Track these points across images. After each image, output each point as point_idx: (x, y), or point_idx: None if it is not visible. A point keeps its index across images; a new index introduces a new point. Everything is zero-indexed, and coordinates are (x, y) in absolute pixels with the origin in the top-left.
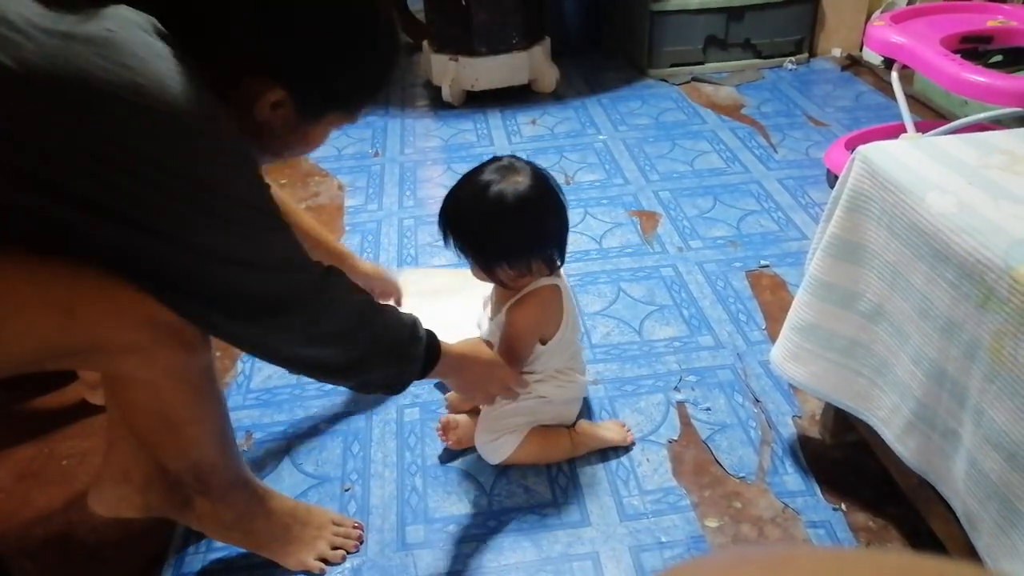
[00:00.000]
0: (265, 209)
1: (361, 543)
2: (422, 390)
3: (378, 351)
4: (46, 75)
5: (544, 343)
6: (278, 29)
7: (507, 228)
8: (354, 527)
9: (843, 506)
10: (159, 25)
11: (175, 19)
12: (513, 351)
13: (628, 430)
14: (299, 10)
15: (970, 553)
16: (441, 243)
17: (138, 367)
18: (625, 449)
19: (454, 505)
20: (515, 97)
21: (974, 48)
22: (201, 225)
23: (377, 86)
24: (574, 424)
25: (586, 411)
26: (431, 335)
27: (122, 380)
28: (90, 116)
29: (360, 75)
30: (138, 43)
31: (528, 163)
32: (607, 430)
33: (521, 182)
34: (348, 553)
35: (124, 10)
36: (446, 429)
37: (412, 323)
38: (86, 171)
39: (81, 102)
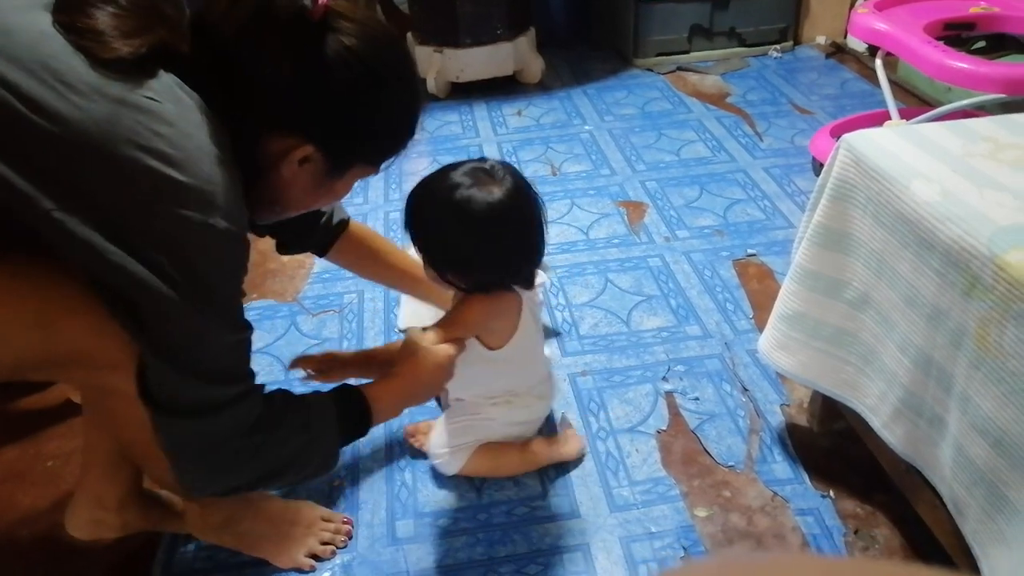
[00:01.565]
0: (231, 307)
1: (350, 538)
2: None
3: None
4: (99, 134)
5: (488, 347)
6: (310, 87)
7: (463, 238)
8: (343, 522)
9: (831, 493)
10: (197, 96)
11: (210, 77)
12: (452, 326)
13: (583, 444)
14: (333, 68)
15: (957, 538)
16: None
17: (122, 381)
18: (614, 440)
19: (444, 499)
20: (501, 88)
21: (957, 35)
22: (180, 302)
23: (403, 138)
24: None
25: (575, 405)
26: (348, 400)
27: (105, 391)
28: (121, 176)
29: (387, 128)
30: (181, 115)
31: (513, 173)
32: (561, 444)
33: (495, 192)
34: (338, 549)
35: (169, 79)
36: (414, 434)
37: (311, 410)
38: (105, 219)
39: (114, 162)
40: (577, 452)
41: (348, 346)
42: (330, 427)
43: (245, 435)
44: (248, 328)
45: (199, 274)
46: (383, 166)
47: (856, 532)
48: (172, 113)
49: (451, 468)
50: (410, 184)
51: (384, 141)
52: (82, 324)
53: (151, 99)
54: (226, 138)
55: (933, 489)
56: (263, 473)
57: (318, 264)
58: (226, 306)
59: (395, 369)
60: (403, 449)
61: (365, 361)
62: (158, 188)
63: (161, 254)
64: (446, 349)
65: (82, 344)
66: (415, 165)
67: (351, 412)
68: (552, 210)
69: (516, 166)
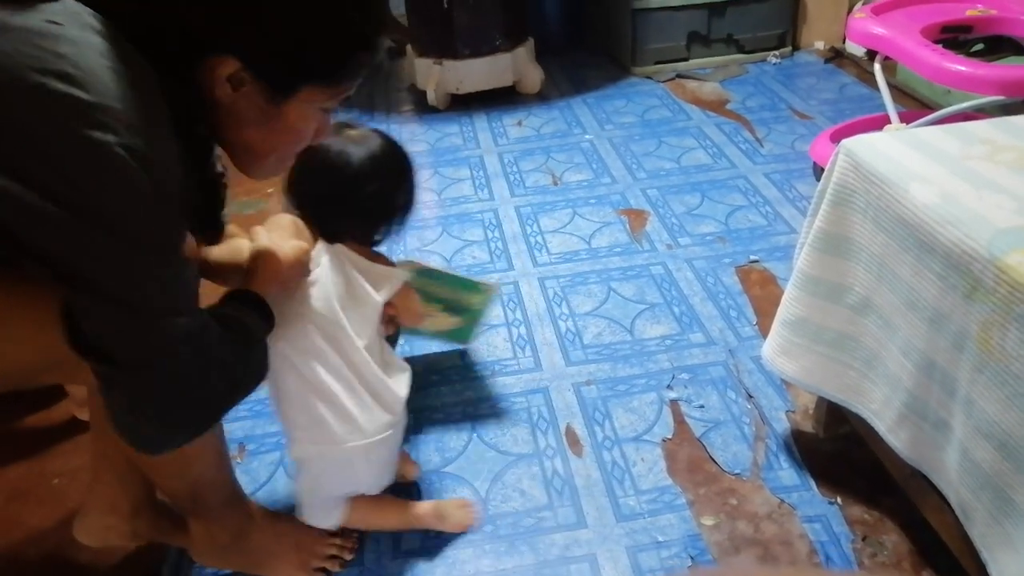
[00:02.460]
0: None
1: (356, 552)
2: (413, 395)
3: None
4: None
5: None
6: None
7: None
8: (349, 536)
9: (838, 499)
10: (101, 18)
11: (119, 10)
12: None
13: (472, 512)
14: None
15: (965, 542)
16: (432, 247)
17: None
18: (620, 449)
19: None
20: (500, 99)
21: (955, 37)
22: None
23: (353, 43)
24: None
25: (580, 415)
26: (255, 303)
27: None
28: (28, 103)
29: (327, 30)
30: (79, 36)
31: (372, 133)
32: (445, 514)
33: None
34: (345, 561)
35: (73, 5)
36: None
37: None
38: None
39: (19, 92)
40: (460, 524)
41: None
42: (259, 330)
43: (205, 364)
44: (187, 263)
45: (106, 199)
46: (344, 88)
47: (864, 539)
48: (75, 35)
49: (328, 523)
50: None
51: (326, 46)
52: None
53: (52, 23)
54: (138, 62)
55: (940, 494)
56: (224, 399)
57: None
58: (151, 234)
59: (253, 265)
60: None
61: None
62: (64, 109)
63: (68, 181)
64: (293, 242)
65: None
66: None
67: (264, 313)
68: (554, 220)
69: (518, 177)
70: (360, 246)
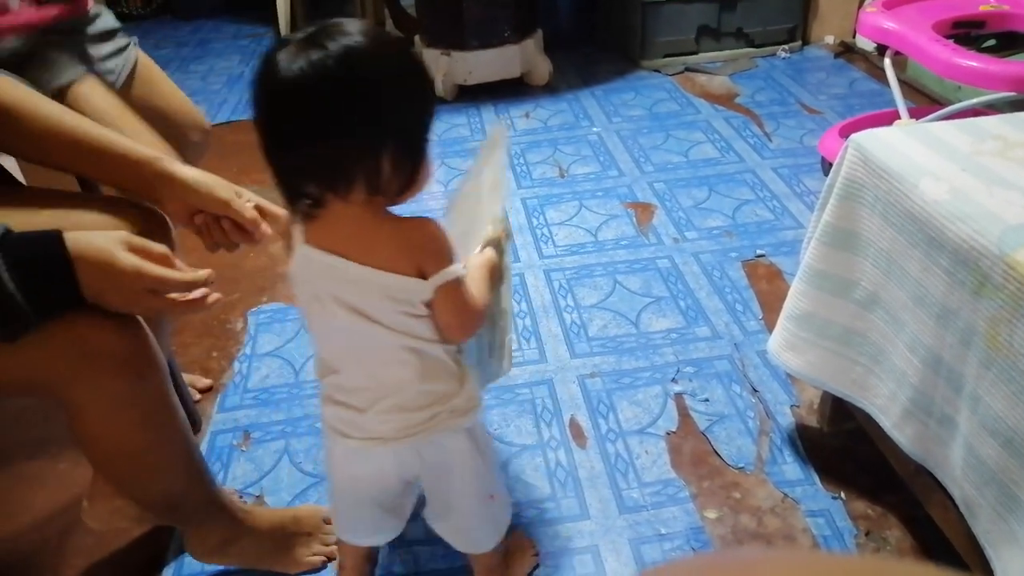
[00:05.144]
0: None
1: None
2: None
3: None
4: None
5: None
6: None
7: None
8: None
9: (842, 494)
10: None
11: None
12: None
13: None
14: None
15: (969, 538)
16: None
17: (85, 396)
18: (624, 442)
19: None
20: (508, 90)
21: (966, 33)
22: None
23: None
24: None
25: (584, 407)
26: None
27: (75, 412)
28: None
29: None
30: None
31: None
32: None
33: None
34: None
35: None
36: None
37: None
38: None
39: None
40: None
41: None
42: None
43: None
44: None
45: None
46: None
47: (867, 534)
48: None
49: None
50: None
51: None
52: (33, 351)
53: None
54: None
55: (944, 489)
56: None
57: None
58: None
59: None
60: None
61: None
62: None
63: None
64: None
65: (36, 370)
66: None
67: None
68: (560, 212)
69: (524, 169)
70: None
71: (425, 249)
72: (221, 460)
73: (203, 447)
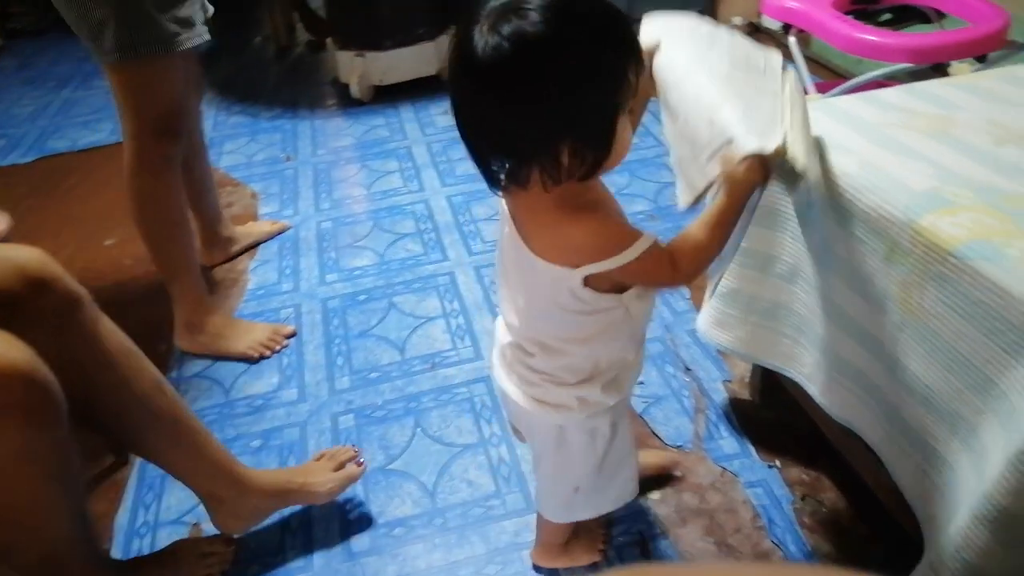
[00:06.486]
0: None
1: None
2: (355, 395)
3: None
4: None
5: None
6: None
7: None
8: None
9: (777, 463)
10: None
11: None
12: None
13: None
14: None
15: (897, 495)
16: (363, 243)
17: None
18: None
19: (398, 508)
20: (426, 88)
21: (864, 9)
22: None
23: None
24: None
25: None
26: None
27: None
28: None
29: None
30: None
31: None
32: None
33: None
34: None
35: None
36: None
37: None
38: None
39: None
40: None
41: (289, 361)
42: None
43: None
44: None
45: None
46: None
47: (803, 498)
48: None
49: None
50: (340, 191)
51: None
52: None
53: None
54: None
55: (872, 451)
56: None
57: (252, 281)
58: None
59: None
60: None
61: None
62: None
63: None
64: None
65: None
66: (344, 171)
67: None
68: (487, 207)
69: (447, 166)
70: None
71: (581, 250)
72: (154, 490)
73: (132, 477)
